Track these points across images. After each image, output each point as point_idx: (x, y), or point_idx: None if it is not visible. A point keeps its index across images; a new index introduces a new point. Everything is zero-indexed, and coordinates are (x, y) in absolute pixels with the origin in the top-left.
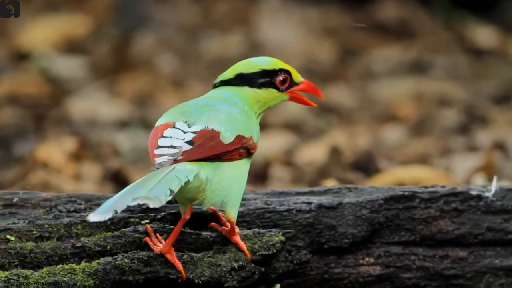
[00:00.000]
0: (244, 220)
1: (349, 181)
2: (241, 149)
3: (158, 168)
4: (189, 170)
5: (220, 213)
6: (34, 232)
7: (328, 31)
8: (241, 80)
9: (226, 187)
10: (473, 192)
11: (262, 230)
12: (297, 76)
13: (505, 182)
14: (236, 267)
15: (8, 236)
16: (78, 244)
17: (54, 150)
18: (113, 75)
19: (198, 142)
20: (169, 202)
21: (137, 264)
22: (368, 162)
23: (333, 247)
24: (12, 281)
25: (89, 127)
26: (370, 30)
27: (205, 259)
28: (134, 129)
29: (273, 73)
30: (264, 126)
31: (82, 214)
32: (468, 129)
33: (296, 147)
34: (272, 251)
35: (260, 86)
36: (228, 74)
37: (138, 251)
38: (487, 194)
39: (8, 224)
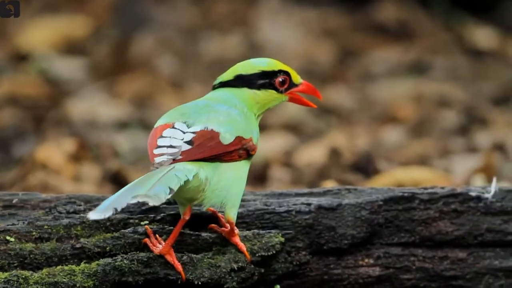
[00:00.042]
0: (243, 221)
1: (349, 182)
2: (241, 150)
3: (157, 168)
4: (188, 170)
5: (220, 214)
6: (34, 233)
7: (327, 32)
8: (240, 81)
9: (226, 187)
10: (473, 193)
11: (261, 231)
12: (296, 77)
13: (504, 183)
14: (236, 268)
15: (8, 237)
16: (78, 245)
17: (54, 151)
18: (112, 76)
19: (197, 142)
20: (168, 203)
21: (137, 265)
22: (368, 163)
23: (333, 248)
24: (11, 282)
25: (89, 128)
26: (369, 31)
27: (205, 260)
28: (133, 130)
29: (273, 74)
30: (263, 127)
31: (82, 215)
32: (467, 130)
33: (295, 148)
34: (271, 252)
35: (259, 87)
36: (228, 75)
37: (138, 252)
38: (486, 195)
39: (8, 225)
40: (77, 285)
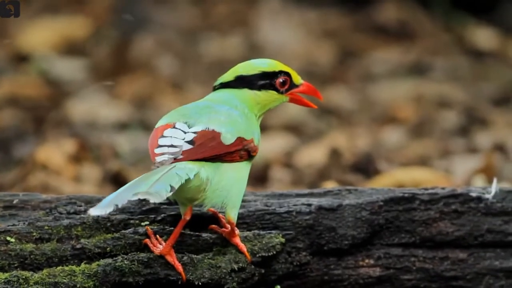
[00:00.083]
0: (244, 221)
1: (349, 182)
2: (242, 151)
3: (158, 167)
4: (189, 169)
5: (220, 215)
6: (34, 233)
7: (328, 33)
8: (241, 82)
9: (227, 187)
10: (473, 194)
11: (262, 232)
12: (297, 78)
13: (505, 184)
14: (236, 268)
15: (8, 238)
16: (78, 246)
17: (54, 152)
18: (112, 77)
19: (198, 142)
20: (169, 203)
21: (137, 266)
22: (368, 163)
23: (333, 249)
24: (12, 282)
25: (89, 129)
26: (370, 31)
27: (205, 260)
28: (133, 131)
29: (273, 75)
30: (264, 127)
31: (82, 215)
32: (468, 131)
33: (296, 149)
34: (272, 253)
35: (260, 88)
36: (228, 76)
37: (138, 252)
38: (487, 195)
39: (8, 226)
40: (78, 286)
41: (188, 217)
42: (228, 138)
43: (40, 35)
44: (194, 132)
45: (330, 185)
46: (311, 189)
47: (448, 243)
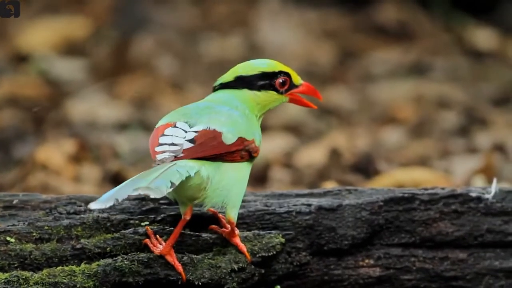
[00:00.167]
0: (244, 221)
1: (349, 183)
2: (243, 151)
3: (159, 165)
4: (190, 167)
5: (220, 215)
6: (34, 234)
7: (328, 33)
8: (240, 82)
9: (227, 187)
10: (473, 194)
11: (262, 232)
12: (296, 78)
13: (504, 184)
14: (236, 268)
15: (8, 238)
16: (78, 246)
17: (54, 152)
18: (112, 77)
19: (199, 141)
20: (169, 203)
21: (137, 266)
22: (368, 164)
23: (333, 249)
24: (12, 282)
25: (89, 129)
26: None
27: (205, 260)
28: (133, 131)
29: (273, 75)
30: (264, 128)
31: (82, 216)
32: (467, 131)
33: (295, 149)
34: (272, 253)
35: (259, 88)
36: (228, 76)
37: (138, 252)
38: (486, 196)
39: (8, 226)
40: (78, 286)
41: (188, 217)
42: (229, 138)
43: (40, 35)
44: (195, 131)
45: (330, 185)
46: (311, 189)
47: (448, 243)
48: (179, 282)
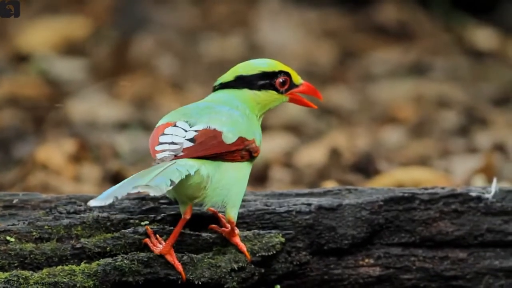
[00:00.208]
0: (244, 221)
1: (349, 182)
2: (243, 151)
3: (158, 163)
4: (190, 165)
5: (220, 215)
6: (34, 233)
7: (328, 33)
8: (240, 82)
9: (227, 186)
10: (473, 194)
11: (262, 231)
12: (296, 78)
13: (504, 184)
14: (236, 268)
15: (8, 238)
16: (78, 245)
17: (54, 151)
18: (112, 77)
19: (199, 140)
20: (169, 203)
21: (137, 265)
22: (368, 163)
23: (333, 248)
24: (12, 282)
25: (89, 129)
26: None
27: (205, 260)
28: (133, 131)
29: (273, 75)
30: (264, 127)
31: (82, 215)
32: (467, 130)
33: (295, 149)
34: (272, 252)
35: (259, 88)
36: (228, 76)
37: (138, 252)
38: (486, 195)
39: (8, 225)
40: (77, 285)
41: (188, 217)
42: (229, 138)
43: (40, 35)
44: (196, 131)
45: (330, 184)
46: (311, 189)
47: (448, 242)
48: (179, 282)
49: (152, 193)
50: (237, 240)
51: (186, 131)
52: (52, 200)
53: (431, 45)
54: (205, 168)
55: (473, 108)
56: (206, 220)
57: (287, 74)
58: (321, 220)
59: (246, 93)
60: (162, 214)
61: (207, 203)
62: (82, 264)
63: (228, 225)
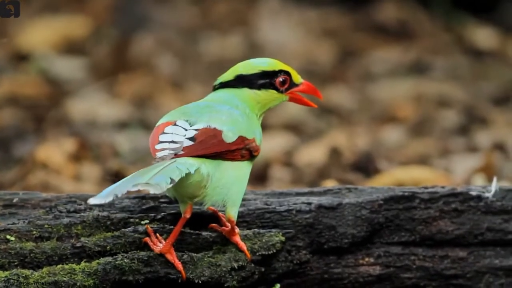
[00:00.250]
0: (244, 220)
1: (349, 181)
2: (244, 150)
3: (158, 162)
4: (190, 164)
5: (220, 214)
6: (34, 232)
7: (328, 32)
8: (240, 81)
9: (227, 185)
10: (473, 193)
11: (262, 230)
12: (296, 77)
13: (504, 183)
14: (236, 267)
15: (8, 236)
16: (78, 244)
17: (54, 150)
18: (112, 76)
19: (199, 139)
20: (169, 202)
21: (137, 264)
22: (368, 162)
23: (333, 247)
24: (12, 281)
25: (89, 128)
26: (370, 31)
27: (205, 259)
28: (133, 130)
29: (273, 74)
30: (264, 126)
31: (82, 214)
32: (467, 130)
33: (296, 148)
34: (272, 251)
35: (259, 87)
36: (228, 75)
37: (138, 251)
38: (487, 194)
39: (8, 224)
40: (78, 284)
41: (188, 215)
42: (229, 137)
43: (40, 34)
44: (196, 129)
45: (330, 184)
46: (311, 188)
47: (448, 241)
48: (179, 281)
49: (152, 191)
50: (237, 239)
51: (186, 130)
52: (52, 199)
53: (431, 44)
54: (205, 167)
55: (473, 107)
56: (206, 219)
57: (287, 73)
58: (321, 219)
59: (246, 92)
60: (162, 213)
61: (207, 202)
62: (82, 263)
63: (228, 224)
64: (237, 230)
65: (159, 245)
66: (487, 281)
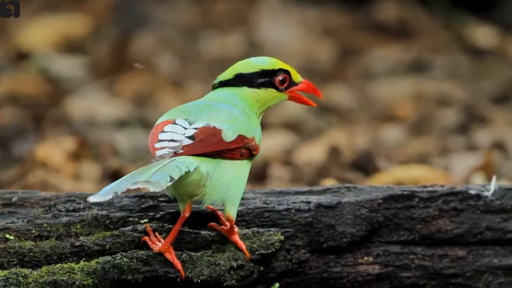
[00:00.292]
0: (243, 219)
1: (348, 180)
2: (243, 149)
3: (158, 160)
4: (190, 162)
5: (219, 213)
6: (33, 231)
7: (328, 31)
8: (240, 80)
9: (226, 184)
10: (472, 192)
11: (261, 229)
12: (296, 76)
13: (504, 182)
14: (235, 266)
15: (7, 235)
16: (77, 243)
17: (53, 149)
18: (112, 75)
19: (199, 138)
20: (168, 201)
21: (136, 263)
22: (367, 161)
23: (332, 246)
24: (11, 280)
25: (88, 126)
26: (369, 30)
27: (204, 258)
28: (133, 128)
29: (273, 73)
30: (263, 125)
31: (81, 213)
32: (467, 128)
33: (295, 147)
34: (271, 250)
35: (259, 86)
36: (228, 74)
37: (137, 250)
38: (486, 193)
39: (7, 223)
40: (77, 283)
41: (187, 214)
42: (229, 135)
43: (40, 33)
44: (195, 128)
45: (329, 182)
46: (310, 187)
47: (447, 240)
48: (178, 280)
49: (152, 189)
50: (236, 238)
51: (185, 128)
52: (52, 198)
53: (431, 43)
54: (205, 165)
55: (472, 106)
56: (205, 218)
57: (286, 72)
58: (320, 218)
59: (245, 91)
60: (161, 212)
61: (206, 201)
62: (81, 262)
63: (227, 223)
64: (236, 229)
65: (158, 244)
66: (486, 280)
